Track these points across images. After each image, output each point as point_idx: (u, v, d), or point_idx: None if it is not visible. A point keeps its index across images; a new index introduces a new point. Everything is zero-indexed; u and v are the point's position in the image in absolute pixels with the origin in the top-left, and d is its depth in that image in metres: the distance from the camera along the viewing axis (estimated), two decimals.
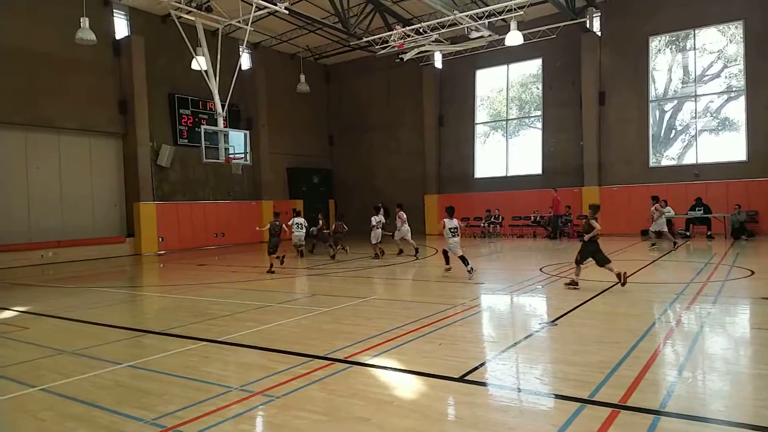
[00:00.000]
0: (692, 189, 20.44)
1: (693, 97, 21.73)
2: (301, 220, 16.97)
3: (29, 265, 17.98)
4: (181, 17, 16.52)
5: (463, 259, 11.24)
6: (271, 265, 13.80)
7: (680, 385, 4.60)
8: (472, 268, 11.12)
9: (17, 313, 9.52)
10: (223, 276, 13.93)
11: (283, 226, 14.69)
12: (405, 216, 16.23)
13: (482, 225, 23.90)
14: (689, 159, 21.85)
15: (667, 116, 22.64)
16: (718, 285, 9.47)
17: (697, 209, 19.34)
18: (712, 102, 21.51)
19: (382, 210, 16.89)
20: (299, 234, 16.73)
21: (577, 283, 9.50)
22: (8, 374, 5.59)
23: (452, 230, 11.46)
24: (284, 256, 14.72)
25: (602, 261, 9.41)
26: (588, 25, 22.15)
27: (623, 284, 9.12)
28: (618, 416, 3.93)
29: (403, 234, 16.17)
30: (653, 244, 16.10)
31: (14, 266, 17.60)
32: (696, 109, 21.69)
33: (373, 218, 16.55)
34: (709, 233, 19.11)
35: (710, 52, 21.47)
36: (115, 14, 21.44)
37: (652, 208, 16.10)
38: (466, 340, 6.46)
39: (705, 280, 9.97)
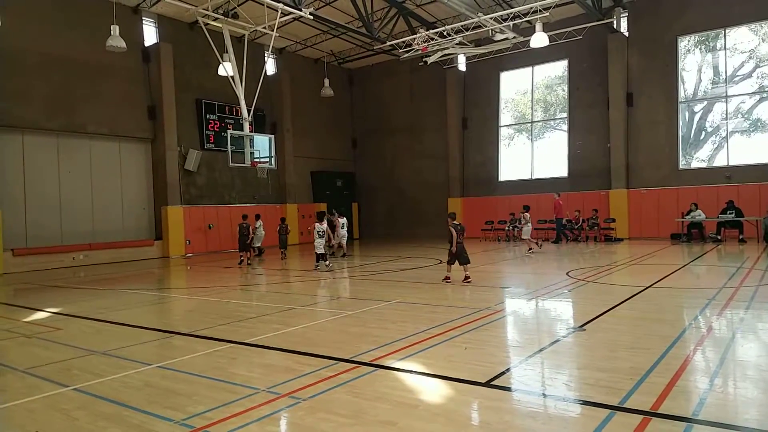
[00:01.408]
0: (723, 192, 19.99)
1: (724, 97, 21.25)
2: (260, 222, 19.50)
3: (61, 268, 18.45)
4: (208, 24, 16.83)
5: (323, 256, 14.18)
6: (242, 259, 17.04)
7: (712, 392, 4.49)
8: (329, 265, 14.15)
9: (50, 314, 9.74)
10: (248, 278, 14.08)
11: (250, 228, 17.60)
12: (326, 228, 15.31)
13: (506, 228, 23.70)
14: (720, 161, 21.36)
15: (696, 117, 22.17)
16: (751, 290, 9.22)
17: (728, 212, 18.92)
18: (743, 103, 21.02)
19: (335, 217, 18.14)
20: (261, 235, 19.36)
21: (469, 278, 10.93)
22: (42, 374, 5.73)
23: (319, 233, 14.32)
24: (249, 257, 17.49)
25: (464, 260, 11.04)
26: (615, 26, 21.80)
27: (465, 282, 10.79)
28: (649, 424, 3.85)
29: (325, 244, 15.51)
30: (530, 249, 17.56)
31: (47, 268, 18.09)
32: (727, 110, 21.21)
33: (316, 224, 16.84)
34: (741, 237, 18.69)
35: (741, 52, 20.98)
36: (144, 22, 21.91)
37: (524, 215, 17.66)
38: (492, 345, 6.41)
39: (737, 285, 9.72)
